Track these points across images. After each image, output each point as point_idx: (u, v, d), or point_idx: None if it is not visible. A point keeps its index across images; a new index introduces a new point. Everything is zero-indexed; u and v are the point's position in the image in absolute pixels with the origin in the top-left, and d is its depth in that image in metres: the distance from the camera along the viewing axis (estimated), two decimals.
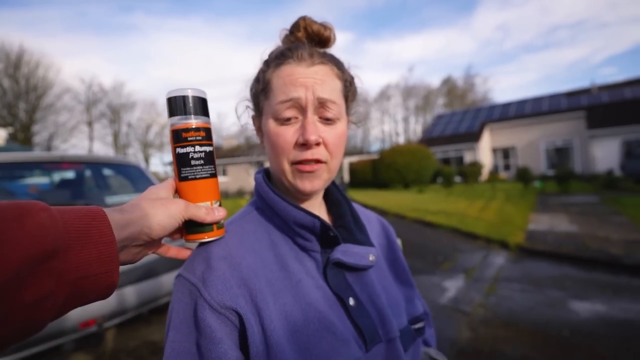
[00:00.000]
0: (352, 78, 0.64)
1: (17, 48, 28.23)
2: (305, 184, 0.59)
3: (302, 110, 0.57)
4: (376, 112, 48.82)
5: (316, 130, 0.56)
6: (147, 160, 39.81)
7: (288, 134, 0.57)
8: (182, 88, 0.50)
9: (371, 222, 0.78)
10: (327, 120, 0.58)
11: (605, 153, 18.00)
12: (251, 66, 0.65)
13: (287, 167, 0.58)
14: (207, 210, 0.51)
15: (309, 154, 0.56)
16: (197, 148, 0.50)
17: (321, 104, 0.57)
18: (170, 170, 29.72)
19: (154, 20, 71.58)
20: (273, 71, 0.59)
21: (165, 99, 0.50)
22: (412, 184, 17.09)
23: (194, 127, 0.50)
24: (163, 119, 41.99)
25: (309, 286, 0.56)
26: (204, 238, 0.52)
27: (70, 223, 0.35)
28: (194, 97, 0.50)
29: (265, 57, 0.63)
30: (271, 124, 0.58)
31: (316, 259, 0.60)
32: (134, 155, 38.59)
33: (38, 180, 3.81)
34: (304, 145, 0.56)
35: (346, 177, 20.72)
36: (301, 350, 0.50)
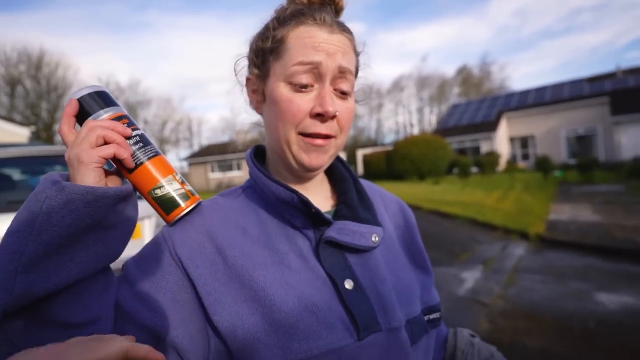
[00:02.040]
0: (359, 54, 0.61)
1: (37, 50, 29.15)
2: (312, 159, 0.54)
3: (320, 77, 0.52)
4: (390, 103, 48.17)
5: (334, 102, 0.52)
6: None
7: (302, 102, 0.52)
8: (78, 90, 0.49)
9: (387, 201, 0.72)
10: (342, 94, 0.54)
11: (631, 140, 17.21)
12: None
13: (293, 136, 0.54)
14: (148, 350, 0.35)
15: (323, 127, 0.52)
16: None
17: (341, 73, 0.53)
18: (185, 165, 30.28)
19: (167, 17, 72.42)
20: (290, 29, 0.53)
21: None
22: (428, 175, 16.82)
23: (111, 119, 0.48)
24: (178, 115, 42.74)
25: (295, 265, 0.52)
26: (184, 209, 0.51)
27: None
28: (93, 94, 0.49)
29: (275, 14, 0.57)
30: (282, 88, 0.53)
31: (309, 237, 0.55)
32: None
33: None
34: (320, 116, 0.52)
35: (360, 169, 20.60)
36: (275, 325, 0.47)
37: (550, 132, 20.95)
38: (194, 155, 30.31)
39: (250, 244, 0.53)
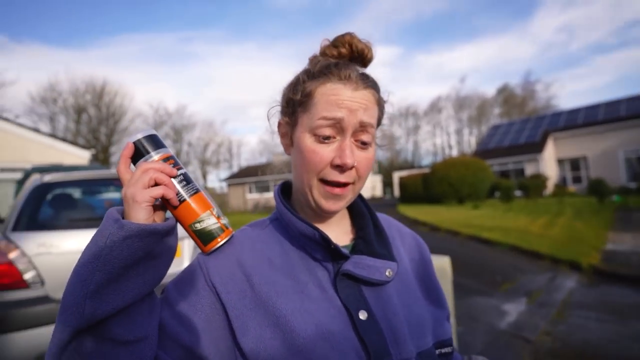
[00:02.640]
0: (384, 104, 0.65)
1: (101, 80, 32.68)
2: (330, 205, 0.60)
3: (342, 131, 0.58)
4: (427, 125, 47.38)
5: (352, 154, 0.57)
6: (204, 176, 42.79)
7: (325, 153, 0.58)
8: (134, 134, 0.56)
9: (404, 235, 0.76)
10: (363, 144, 0.59)
11: None
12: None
13: (315, 182, 0.59)
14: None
15: (342, 177, 0.58)
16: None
17: (362, 127, 0.58)
18: (225, 186, 31.54)
19: (212, 48, 78.17)
20: (318, 85, 0.59)
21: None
22: (467, 198, 16.08)
23: (161, 160, 0.55)
24: (219, 138, 45.05)
25: (314, 295, 0.57)
26: (219, 242, 0.58)
27: None
28: (147, 137, 0.56)
29: (307, 66, 0.64)
30: (307, 139, 0.59)
31: (328, 269, 0.60)
32: (193, 172, 41.63)
33: (112, 195, 4.29)
34: (339, 167, 0.57)
35: (396, 191, 20.19)
36: (294, 350, 0.52)
37: (606, 152, 19.31)
38: (233, 177, 31.55)
39: (274, 273, 0.58)
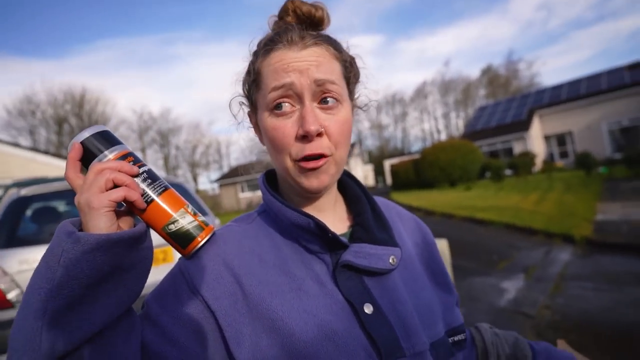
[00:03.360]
0: (352, 59, 0.58)
1: (80, 89, 31.91)
2: (311, 182, 0.53)
3: (299, 98, 0.51)
4: (414, 111, 47.49)
5: (316, 119, 0.50)
6: (195, 179, 42.35)
7: (286, 127, 0.52)
8: (80, 133, 0.49)
9: (404, 219, 0.70)
10: (328, 105, 0.52)
11: None
12: None
13: (289, 164, 0.53)
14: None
15: (311, 148, 0.51)
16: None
17: (319, 85, 0.51)
18: (216, 187, 31.29)
19: (193, 48, 76.79)
20: (262, 60, 0.54)
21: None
22: (459, 181, 16.21)
23: (116, 159, 0.48)
24: (207, 139, 44.53)
25: (313, 291, 0.51)
26: (200, 242, 0.51)
27: None
28: (96, 135, 0.49)
29: (254, 47, 0.59)
30: (266, 118, 0.54)
31: (326, 261, 0.54)
32: (183, 175, 41.23)
33: None
34: (305, 137, 0.51)
35: (388, 179, 20.28)
36: (296, 356, 0.46)
37: (590, 126, 19.65)
38: (224, 177, 31.29)
39: (266, 271, 0.52)
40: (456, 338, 0.57)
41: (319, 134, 0.51)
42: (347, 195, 0.65)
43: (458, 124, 44.53)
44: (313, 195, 0.57)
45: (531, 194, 10.12)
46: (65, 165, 0.47)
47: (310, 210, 0.60)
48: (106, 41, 63.53)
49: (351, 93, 0.59)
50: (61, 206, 3.45)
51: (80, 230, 0.43)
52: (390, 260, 0.54)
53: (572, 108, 20.36)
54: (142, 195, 0.48)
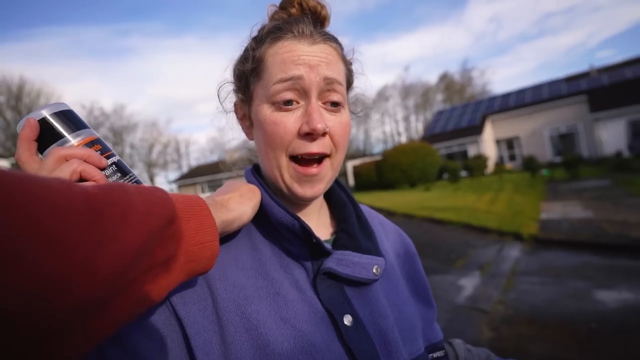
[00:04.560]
0: (351, 64, 0.57)
1: (17, 80, 28.85)
2: (305, 189, 0.50)
3: (305, 93, 0.49)
4: (375, 113, 48.76)
5: (322, 118, 0.48)
6: (152, 179, 40.13)
7: (288, 122, 0.48)
8: (38, 109, 0.40)
9: (387, 228, 0.69)
10: (333, 107, 0.50)
11: (611, 135, 17.69)
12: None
13: (284, 162, 0.50)
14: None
15: (314, 147, 0.49)
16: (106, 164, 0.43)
17: (328, 84, 0.49)
18: (175, 188, 29.88)
19: (149, 42, 72.77)
20: (268, 47, 0.50)
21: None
22: (418, 182, 16.89)
23: (83, 145, 0.41)
24: (165, 138, 42.45)
25: (291, 299, 0.47)
26: None
27: (174, 197, 0.38)
28: (59, 114, 0.41)
29: (255, 33, 0.54)
30: (266, 110, 0.49)
31: (306, 267, 0.51)
32: (138, 175, 38.83)
33: None
34: (309, 135, 0.48)
35: (350, 180, 20.60)
36: None
37: (534, 132, 21.41)
38: (183, 177, 29.98)
39: (242, 274, 0.48)
40: (435, 355, 0.56)
41: (323, 134, 0.49)
42: (332, 201, 0.62)
43: (417, 127, 46.43)
44: (301, 202, 0.54)
45: (485, 195, 10.77)
46: (17, 144, 0.39)
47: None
48: (50, 27, 58.27)
49: (348, 97, 0.57)
50: None
51: None
52: (374, 270, 0.52)
53: (519, 115, 22.06)
54: None
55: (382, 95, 48.08)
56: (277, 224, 0.50)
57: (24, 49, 54.75)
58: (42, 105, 0.41)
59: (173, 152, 44.30)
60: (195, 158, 46.92)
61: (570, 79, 23.79)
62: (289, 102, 0.48)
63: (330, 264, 0.49)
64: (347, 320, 0.47)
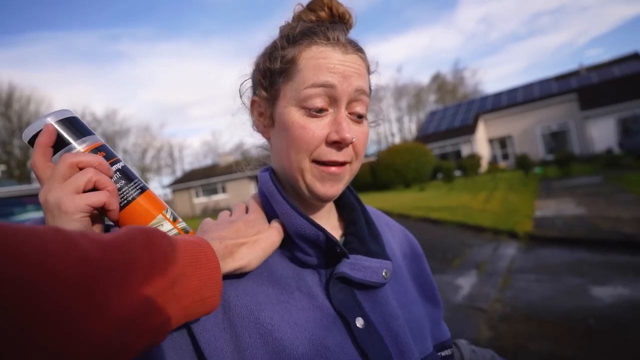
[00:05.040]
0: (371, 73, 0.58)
1: (6, 86, 28.43)
2: (327, 188, 0.51)
3: (335, 102, 0.49)
4: (369, 114, 48.87)
5: (351, 127, 0.49)
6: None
7: (317, 128, 0.48)
8: (39, 120, 0.40)
9: (393, 229, 0.69)
10: (358, 117, 0.51)
11: (601, 132, 17.96)
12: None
13: (307, 165, 0.50)
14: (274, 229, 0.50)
15: (340, 155, 0.49)
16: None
17: (357, 95, 0.50)
18: (169, 192, 29.66)
19: (141, 46, 72.35)
20: (302, 49, 0.49)
21: (28, 142, 0.41)
22: (413, 182, 16.96)
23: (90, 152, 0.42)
24: (158, 142, 42.16)
25: (303, 303, 0.48)
26: None
27: (182, 249, 0.37)
28: (60, 123, 0.41)
29: (284, 31, 0.53)
30: (294, 113, 0.49)
31: (320, 272, 0.52)
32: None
33: (31, 216, 3.70)
34: (336, 143, 0.49)
35: None
36: None
37: (526, 130, 21.65)
38: (177, 182, 29.76)
39: (252, 281, 0.48)
40: (444, 353, 0.57)
41: (350, 144, 0.50)
42: (340, 203, 0.62)
43: (411, 128, 46.70)
44: (319, 204, 0.55)
45: (479, 194, 10.85)
46: (34, 149, 0.39)
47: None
48: (40, 33, 57.64)
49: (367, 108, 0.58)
50: None
51: None
52: (383, 274, 0.52)
53: (511, 114, 22.30)
54: (120, 193, 0.42)
55: (375, 96, 48.21)
56: (294, 235, 0.50)
57: (13, 55, 54.11)
58: (47, 113, 0.42)
59: (167, 157, 44.03)
60: (189, 162, 46.63)
61: (561, 78, 24.13)
62: (320, 110, 0.48)
63: (343, 268, 0.49)
64: (359, 322, 0.48)
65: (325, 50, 0.49)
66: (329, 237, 0.48)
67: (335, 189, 0.51)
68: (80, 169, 0.39)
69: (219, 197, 26.15)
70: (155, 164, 41.71)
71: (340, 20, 0.54)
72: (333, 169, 0.50)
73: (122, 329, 0.28)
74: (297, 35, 0.51)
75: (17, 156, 27.94)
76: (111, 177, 0.42)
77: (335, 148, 0.49)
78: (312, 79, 0.48)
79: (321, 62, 0.48)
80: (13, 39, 55.18)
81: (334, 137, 0.48)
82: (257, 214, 0.52)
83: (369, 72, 0.54)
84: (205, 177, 26.93)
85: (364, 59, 0.53)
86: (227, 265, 0.42)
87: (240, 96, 0.59)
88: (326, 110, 0.49)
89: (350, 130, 0.48)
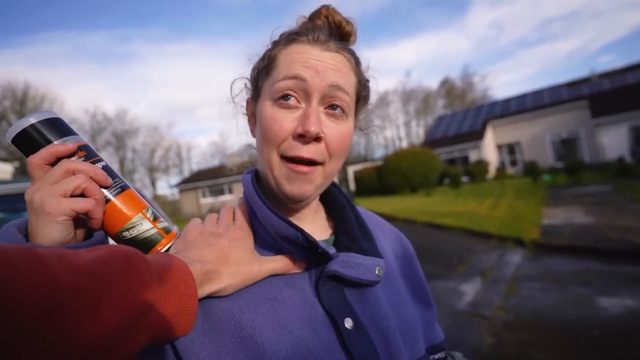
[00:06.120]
0: (366, 80, 0.57)
1: (22, 85, 29.08)
2: (294, 187, 0.49)
3: (307, 96, 0.48)
4: (377, 119, 48.89)
5: (319, 122, 0.47)
6: (153, 183, 40.22)
7: (285, 120, 0.48)
8: (22, 120, 0.42)
9: (384, 228, 0.68)
10: (334, 112, 0.50)
11: (613, 140, 17.65)
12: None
13: (275, 159, 0.49)
14: (281, 262, 0.49)
15: (305, 150, 0.48)
16: None
17: (333, 91, 0.49)
18: (176, 192, 29.92)
19: (152, 47, 73.37)
20: (282, 48, 0.51)
21: (11, 141, 0.42)
22: (419, 187, 16.86)
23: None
24: (167, 142, 42.59)
25: (290, 303, 0.47)
26: (159, 250, 0.46)
27: (159, 276, 0.36)
28: (43, 123, 0.42)
29: (276, 37, 0.56)
30: (267, 106, 0.50)
31: (309, 271, 0.51)
32: (140, 180, 38.93)
33: None
34: (302, 137, 0.47)
35: (352, 186, 20.61)
36: None
37: (535, 137, 21.39)
38: (184, 182, 30.03)
39: None
40: (437, 356, 0.56)
41: (317, 139, 0.48)
42: (329, 202, 0.62)
43: (418, 132, 46.48)
44: (290, 204, 0.53)
45: (486, 200, 10.75)
46: (40, 150, 0.41)
47: (290, 215, 0.56)
48: (52, 33, 58.85)
49: (357, 112, 0.57)
50: None
51: (26, 231, 0.38)
52: (377, 272, 0.51)
53: (520, 120, 22.05)
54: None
55: (384, 100, 48.22)
56: (277, 237, 0.49)
57: (28, 54, 55.30)
58: (30, 114, 0.43)
59: (175, 157, 44.40)
60: (196, 162, 46.96)
61: (572, 84, 23.83)
62: (286, 97, 0.48)
63: (335, 266, 0.48)
64: (348, 323, 0.46)
65: (304, 47, 0.50)
66: (308, 239, 0.47)
67: (303, 189, 0.49)
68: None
69: (226, 198, 26.30)
70: (163, 164, 42.13)
71: (336, 29, 0.54)
72: (301, 167, 0.48)
73: (91, 356, 0.28)
74: (284, 37, 0.53)
75: None
76: (110, 186, 0.43)
77: (301, 142, 0.48)
78: (284, 72, 0.49)
79: (296, 57, 0.49)
80: (28, 39, 56.45)
81: (299, 129, 0.47)
82: (242, 230, 0.50)
83: (356, 73, 0.54)
84: (213, 177, 27.12)
85: (348, 58, 0.52)
86: (204, 291, 0.42)
87: (232, 99, 0.60)
88: (298, 103, 0.49)
89: (318, 124, 0.47)
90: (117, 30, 66.62)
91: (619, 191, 9.28)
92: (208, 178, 27.53)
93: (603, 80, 22.27)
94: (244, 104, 0.60)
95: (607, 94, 19.37)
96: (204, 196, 27.84)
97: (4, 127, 28.12)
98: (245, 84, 0.58)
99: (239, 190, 25.67)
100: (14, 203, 3.20)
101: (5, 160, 11.31)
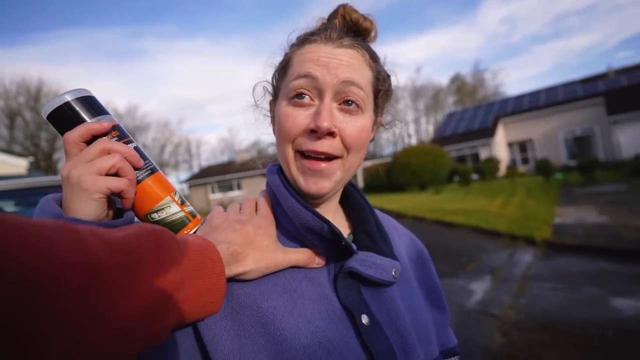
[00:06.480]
0: (386, 74, 0.57)
1: (36, 81, 29.67)
2: (309, 184, 0.50)
3: (320, 94, 0.49)
4: (386, 115, 48.45)
5: (331, 117, 0.48)
6: None
7: (299, 117, 0.49)
8: (58, 97, 0.42)
9: (400, 232, 0.69)
10: (349, 108, 0.50)
11: (630, 138, 17.19)
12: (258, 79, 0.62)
13: (291, 154, 0.51)
14: (304, 254, 0.50)
15: (318, 145, 0.48)
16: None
17: (345, 87, 0.49)
18: (185, 187, 30.27)
19: (162, 43, 74.03)
20: (296, 49, 0.53)
21: (46, 118, 0.43)
22: (428, 184, 16.70)
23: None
24: (177, 138, 43.07)
25: (309, 294, 0.48)
26: (185, 233, 0.46)
27: (188, 254, 0.37)
28: (78, 100, 0.43)
29: (293, 40, 0.57)
30: (283, 105, 0.51)
31: (329, 266, 0.52)
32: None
33: None
34: (314, 132, 0.48)
35: (360, 182, 20.55)
36: None
37: (548, 134, 20.97)
38: (194, 177, 30.34)
39: None
40: None
41: (331, 134, 0.49)
42: (348, 204, 0.62)
43: (428, 129, 46.01)
44: (309, 200, 0.54)
45: (496, 198, 10.60)
46: (76, 128, 0.42)
47: None
48: (66, 30, 59.81)
49: (377, 107, 0.57)
50: (9, 207, 3.16)
51: (61, 205, 0.39)
52: (393, 273, 0.52)
53: (532, 117, 21.64)
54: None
55: (393, 97, 47.79)
56: (301, 227, 0.50)
57: (42, 51, 56.38)
58: (66, 91, 0.43)
59: (184, 153, 44.95)
60: (205, 158, 47.50)
61: (587, 81, 23.26)
62: (300, 96, 0.49)
63: (354, 263, 0.49)
64: (365, 319, 0.47)
65: (317, 46, 0.51)
66: (333, 230, 0.48)
67: (319, 185, 0.50)
68: None
69: (234, 194, 26.52)
70: (173, 160, 42.67)
71: (354, 27, 0.55)
72: (316, 164, 0.49)
73: (124, 333, 0.28)
74: (299, 39, 0.54)
75: (44, 148, 29.14)
76: (141, 168, 0.44)
77: (314, 137, 0.48)
78: (297, 71, 0.50)
79: (308, 56, 0.50)
80: (42, 36, 57.55)
81: (311, 125, 0.48)
82: (266, 219, 0.51)
83: (371, 66, 0.53)
84: (222, 173, 27.34)
85: (362, 53, 0.52)
86: (230, 271, 0.43)
87: (255, 102, 0.61)
88: (312, 100, 0.49)
89: (330, 120, 0.47)
90: (129, 27, 67.39)
91: (635, 190, 9.05)
92: (217, 174, 27.77)
93: (620, 76, 21.67)
94: (266, 106, 0.61)
95: (625, 91, 18.84)
96: (213, 192, 28.10)
97: (18, 123, 28.75)
98: (266, 87, 0.59)
99: (247, 186, 25.86)
100: (30, 197, 3.28)
101: (20, 155, 11.56)
